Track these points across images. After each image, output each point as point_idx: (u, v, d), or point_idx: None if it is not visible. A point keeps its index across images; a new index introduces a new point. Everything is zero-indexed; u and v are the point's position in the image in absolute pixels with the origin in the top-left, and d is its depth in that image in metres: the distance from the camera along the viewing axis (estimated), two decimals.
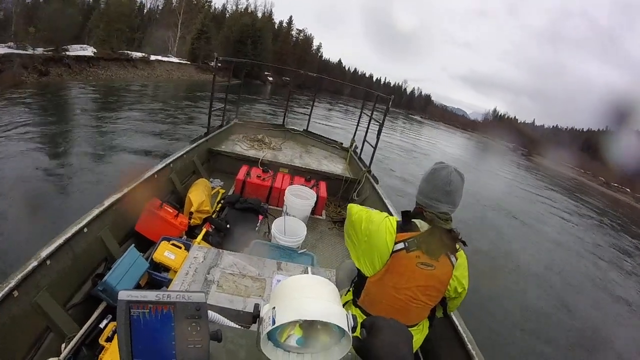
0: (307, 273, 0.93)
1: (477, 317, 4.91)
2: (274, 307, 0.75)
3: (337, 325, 0.74)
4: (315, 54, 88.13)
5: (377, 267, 1.63)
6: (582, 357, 5.98)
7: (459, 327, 2.29)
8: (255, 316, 0.79)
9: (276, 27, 73.88)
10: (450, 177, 1.59)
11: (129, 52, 31.72)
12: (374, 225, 1.64)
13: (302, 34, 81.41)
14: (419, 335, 1.81)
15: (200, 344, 0.75)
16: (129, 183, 3.22)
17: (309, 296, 0.77)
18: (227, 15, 62.53)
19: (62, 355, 2.03)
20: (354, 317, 0.77)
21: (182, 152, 4.35)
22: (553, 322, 6.60)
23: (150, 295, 0.71)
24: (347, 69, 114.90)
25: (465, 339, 2.24)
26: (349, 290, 1.89)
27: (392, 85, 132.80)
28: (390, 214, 1.96)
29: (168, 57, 41.89)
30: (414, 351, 1.84)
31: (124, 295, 0.70)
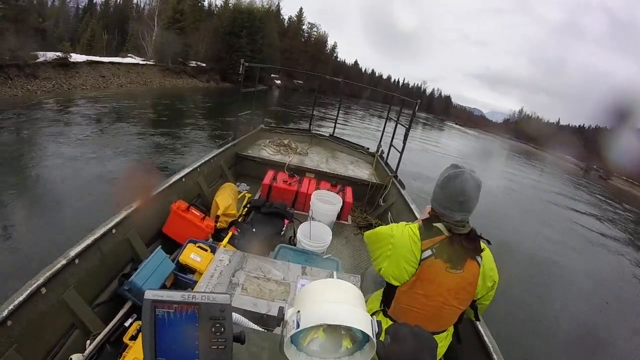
0: (333, 277, 0.91)
1: (503, 324, 4.80)
2: (298, 311, 0.75)
3: (361, 331, 0.73)
4: (330, 54, 79.36)
5: (406, 277, 1.59)
6: None
7: (484, 336, 2.23)
8: (279, 319, 0.79)
9: (285, 23, 65.56)
10: (464, 185, 1.54)
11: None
12: (396, 239, 1.60)
13: (314, 30, 71.81)
14: (444, 342, 1.77)
15: (224, 345, 0.75)
16: (157, 186, 3.29)
17: (334, 300, 0.77)
18: (217, 6, 49.95)
19: (87, 352, 2.07)
20: (379, 323, 0.77)
21: (209, 156, 4.42)
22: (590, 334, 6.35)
23: (176, 295, 0.72)
24: (364, 70, 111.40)
25: (491, 348, 2.18)
26: (381, 302, 1.84)
27: (410, 86, 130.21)
28: (416, 219, 1.91)
29: (123, 57, 29.81)
30: (438, 359, 1.80)
31: (149, 294, 0.71)
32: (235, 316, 0.90)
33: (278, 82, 47.53)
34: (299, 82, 56.49)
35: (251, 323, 0.96)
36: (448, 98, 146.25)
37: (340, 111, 7.28)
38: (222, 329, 0.75)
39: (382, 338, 0.77)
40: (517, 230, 11.18)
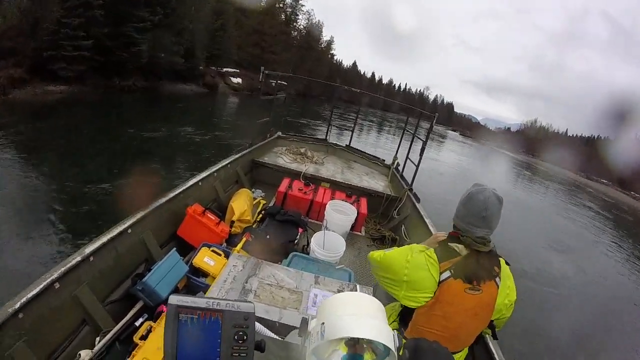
0: (346, 290, 0.92)
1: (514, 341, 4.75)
2: (322, 323, 0.76)
3: (383, 344, 0.74)
4: (325, 50, 65.73)
5: (424, 299, 1.58)
6: None
7: (496, 356, 2.21)
8: (303, 330, 0.80)
9: None
10: (487, 201, 1.55)
11: None
12: (412, 264, 1.59)
13: (302, 8, 53.82)
14: None
15: (245, 353, 0.76)
16: (174, 188, 3.33)
17: (359, 314, 0.77)
18: None
19: (96, 349, 2.10)
20: (399, 338, 0.77)
21: (226, 162, 4.46)
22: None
23: (200, 302, 0.73)
24: (363, 73, 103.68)
25: None
26: (394, 320, 1.84)
27: (413, 92, 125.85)
28: (430, 234, 1.89)
29: None
30: None
31: (174, 299, 0.72)
32: (258, 325, 0.91)
33: (236, 81, 35.25)
34: (281, 82, 42.32)
35: (269, 331, 0.97)
36: (450, 105, 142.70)
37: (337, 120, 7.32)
38: (245, 337, 0.75)
39: (400, 353, 0.77)
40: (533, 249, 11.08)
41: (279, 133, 6.58)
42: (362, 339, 0.77)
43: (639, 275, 12.72)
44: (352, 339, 0.77)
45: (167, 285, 2.56)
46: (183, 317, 0.72)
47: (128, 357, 1.99)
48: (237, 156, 4.80)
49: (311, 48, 57.22)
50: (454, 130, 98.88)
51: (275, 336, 1.00)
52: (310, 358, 0.78)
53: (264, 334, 0.96)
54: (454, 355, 1.68)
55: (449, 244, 1.61)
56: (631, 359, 6.92)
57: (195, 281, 2.79)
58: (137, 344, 2.10)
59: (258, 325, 0.92)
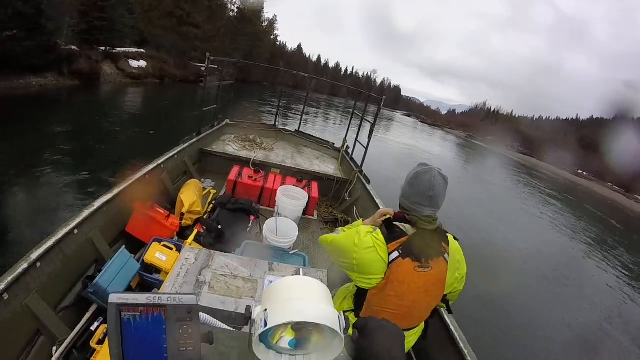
0: (299, 274, 0.92)
1: (467, 316, 4.99)
2: (265, 309, 0.75)
3: (330, 327, 0.74)
4: (267, 31, 57.19)
5: (375, 280, 1.61)
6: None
7: (451, 326, 2.31)
8: (247, 318, 0.78)
9: None
10: (433, 181, 1.58)
11: None
12: (360, 247, 1.60)
13: None
14: (413, 336, 1.81)
15: (192, 346, 0.74)
16: (120, 184, 3.20)
17: (301, 298, 0.78)
18: None
19: (53, 359, 2.01)
20: (346, 318, 0.78)
21: (173, 153, 4.34)
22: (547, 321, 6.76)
23: (141, 297, 0.71)
24: (308, 56, 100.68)
25: (457, 337, 2.26)
26: (345, 299, 1.86)
27: (360, 75, 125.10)
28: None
29: None
30: (406, 351, 1.84)
31: (114, 298, 0.70)
32: (203, 316, 0.88)
33: (137, 64, 24.78)
34: (212, 67, 23.08)
35: (219, 322, 0.95)
36: (397, 88, 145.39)
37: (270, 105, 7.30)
38: (190, 330, 0.73)
39: (350, 332, 0.78)
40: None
41: (227, 120, 6.46)
42: (308, 322, 0.76)
43: (576, 242, 13.98)
44: (299, 323, 0.77)
45: (120, 285, 2.47)
46: (125, 315, 0.69)
47: None
48: (184, 146, 4.67)
49: (247, 20, 47.01)
50: (409, 116, 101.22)
51: (225, 327, 0.97)
52: (256, 346, 0.77)
53: (214, 325, 0.93)
54: (410, 331, 1.75)
55: (395, 223, 1.63)
56: (573, 316, 7.58)
57: (148, 278, 2.72)
58: (94, 350, 2.04)
59: (207, 317, 0.90)
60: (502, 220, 13.57)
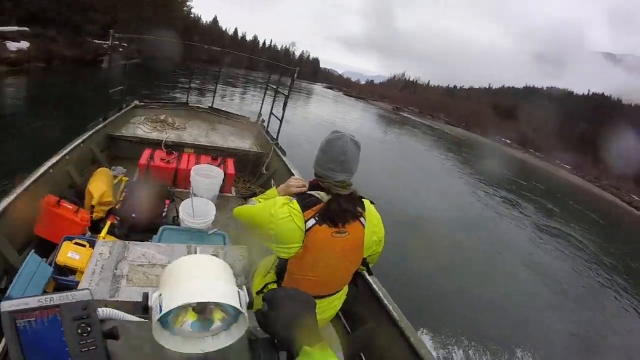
0: (195, 253, 0.89)
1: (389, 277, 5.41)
2: (160, 294, 0.73)
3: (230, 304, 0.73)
4: (179, 2, 51.24)
5: (294, 249, 1.63)
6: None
7: (374, 285, 2.44)
8: (144, 307, 0.74)
9: None
10: (344, 147, 1.62)
11: None
12: (276, 217, 1.60)
13: None
14: (337, 300, 1.88)
15: (95, 345, 0.71)
16: (21, 182, 2.95)
17: (195, 277, 0.76)
18: None
19: None
20: (249, 293, 0.78)
21: (78, 141, 4.04)
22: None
23: (32, 301, 0.68)
24: (225, 30, 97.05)
25: (381, 295, 2.40)
26: (268, 272, 1.86)
27: (279, 48, 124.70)
28: None
29: None
30: (334, 314, 1.90)
31: (5, 305, 0.66)
32: (107, 311, 0.84)
33: (16, 47, 18.88)
34: (98, 42, 26.33)
35: (128, 315, 0.90)
36: (316, 60, 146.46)
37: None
38: (89, 329, 0.70)
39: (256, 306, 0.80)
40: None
41: (136, 102, 6.09)
42: (209, 302, 0.75)
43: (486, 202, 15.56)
44: (199, 304, 0.75)
45: (34, 292, 2.35)
46: (21, 323, 0.66)
47: None
48: (90, 133, 4.36)
49: None
50: (331, 88, 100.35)
51: (135, 318, 0.92)
52: (159, 334, 0.74)
53: (123, 319, 0.88)
54: (334, 296, 1.81)
55: (309, 192, 1.67)
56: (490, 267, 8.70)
57: (63, 281, 2.57)
58: None
59: (109, 311, 0.85)
60: (422, 186, 14.70)
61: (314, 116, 27.71)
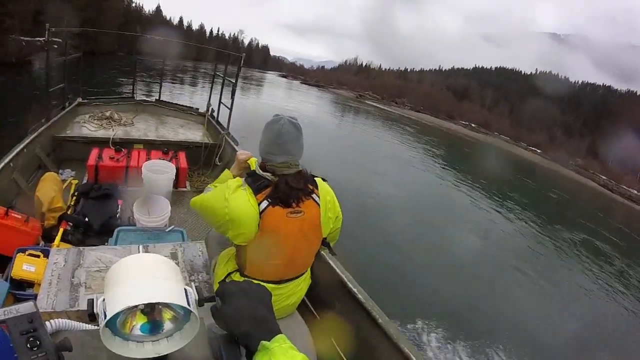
0: (139, 253, 0.88)
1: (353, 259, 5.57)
2: (103, 299, 0.70)
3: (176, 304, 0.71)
4: None
5: (251, 233, 1.64)
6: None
7: (337, 270, 2.49)
8: (89, 314, 0.72)
9: None
10: (282, 129, 1.65)
11: None
12: (231, 202, 1.62)
13: None
14: (303, 283, 1.92)
15: (47, 358, 0.68)
16: None
17: (135, 278, 0.74)
18: None
19: None
20: (199, 290, 0.77)
21: (21, 146, 3.84)
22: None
23: None
24: (169, 19, 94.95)
25: (345, 278, 2.46)
26: (229, 260, 1.88)
27: (227, 37, 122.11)
28: None
29: None
30: (300, 298, 1.94)
31: None
32: (58, 322, 0.83)
33: None
34: (24, 38, 22.88)
35: (81, 324, 0.88)
36: (266, 48, 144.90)
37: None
38: (39, 342, 0.67)
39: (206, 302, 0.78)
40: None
41: (79, 99, 5.79)
42: (157, 303, 0.73)
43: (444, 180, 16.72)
44: (147, 306, 0.73)
45: None
46: None
47: None
48: (33, 136, 4.14)
49: None
50: (285, 76, 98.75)
51: (89, 327, 0.90)
52: (109, 341, 0.72)
53: (77, 329, 0.87)
54: (297, 279, 1.84)
55: (258, 174, 1.69)
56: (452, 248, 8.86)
57: (22, 296, 2.46)
58: None
59: (66, 322, 0.84)
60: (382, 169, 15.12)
61: (270, 107, 27.29)
